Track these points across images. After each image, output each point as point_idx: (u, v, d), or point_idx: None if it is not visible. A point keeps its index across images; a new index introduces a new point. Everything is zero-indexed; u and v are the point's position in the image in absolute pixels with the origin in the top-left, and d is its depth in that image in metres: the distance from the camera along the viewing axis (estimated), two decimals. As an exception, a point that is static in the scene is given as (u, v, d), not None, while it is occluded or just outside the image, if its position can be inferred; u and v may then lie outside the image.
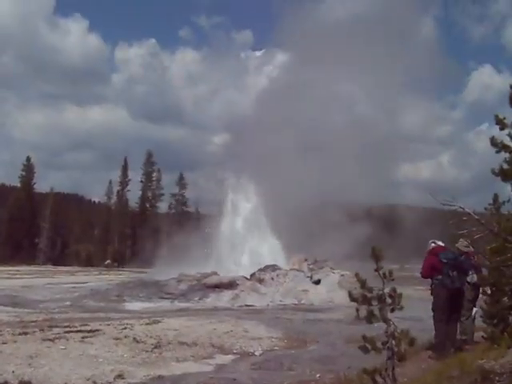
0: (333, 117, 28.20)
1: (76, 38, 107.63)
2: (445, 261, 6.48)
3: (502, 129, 4.38)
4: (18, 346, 7.22)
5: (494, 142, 4.38)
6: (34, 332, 8.35)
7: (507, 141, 4.36)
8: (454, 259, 6.53)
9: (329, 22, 30.94)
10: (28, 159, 48.42)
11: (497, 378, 3.75)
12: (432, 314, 6.60)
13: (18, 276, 21.96)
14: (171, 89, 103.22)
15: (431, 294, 6.68)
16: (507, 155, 4.32)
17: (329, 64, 28.44)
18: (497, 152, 4.40)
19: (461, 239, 6.51)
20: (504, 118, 4.40)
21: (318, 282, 16.49)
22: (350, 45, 29.23)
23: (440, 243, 6.81)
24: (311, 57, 28.82)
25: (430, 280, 6.73)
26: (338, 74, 29.11)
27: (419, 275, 6.92)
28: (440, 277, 6.47)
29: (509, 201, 4.47)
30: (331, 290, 15.68)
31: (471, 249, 6.56)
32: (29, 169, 48.15)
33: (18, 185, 49.23)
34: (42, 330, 8.59)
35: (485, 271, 5.44)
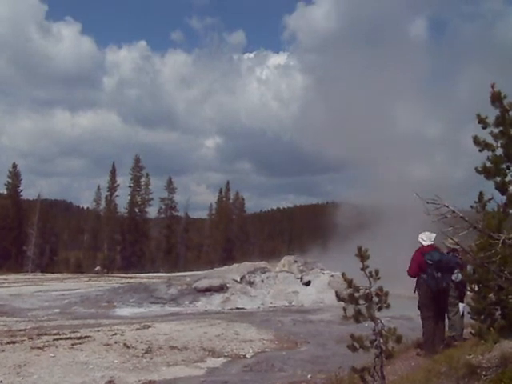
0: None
1: (68, 42, 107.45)
2: (430, 262, 6.44)
3: (484, 127, 4.46)
4: (5, 356, 7.13)
5: (476, 140, 4.46)
6: (23, 340, 8.25)
7: (490, 139, 4.44)
8: (439, 261, 6.46)
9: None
10: (14, 166, 47.85)
11: (483, 373, 3.81)
12: (418, 311, 6.66)
13: (5, 285, 21.54)
14: (162, 92, 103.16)
15: (416, 291, 6.67)
16: (490, 153, 4.41)
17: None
18: (480, 151, 4.48)
19: (449, 239, 6.50)
20: (486, 117, 4.48)
21: (308, 284, 16.51)
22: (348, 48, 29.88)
23: (430, 236, 6.66)
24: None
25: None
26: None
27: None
28: (425, 275, 6.48)
29: (492, 198, 4.54)
30: (321, 291, 15.70)
31: (458, 247, 6.55)
32: (15, 176, 47.53)
33: (5, 192, 48.56)
34: (31, 338, 8.49)
35: (470, 268, 5.49)
